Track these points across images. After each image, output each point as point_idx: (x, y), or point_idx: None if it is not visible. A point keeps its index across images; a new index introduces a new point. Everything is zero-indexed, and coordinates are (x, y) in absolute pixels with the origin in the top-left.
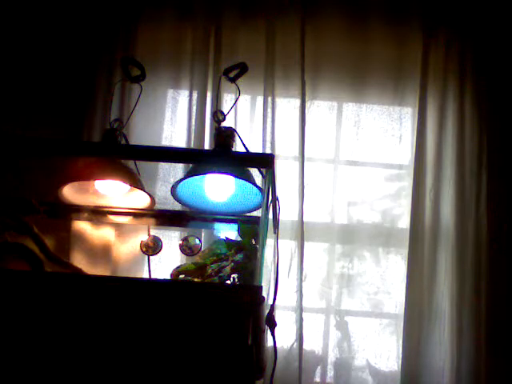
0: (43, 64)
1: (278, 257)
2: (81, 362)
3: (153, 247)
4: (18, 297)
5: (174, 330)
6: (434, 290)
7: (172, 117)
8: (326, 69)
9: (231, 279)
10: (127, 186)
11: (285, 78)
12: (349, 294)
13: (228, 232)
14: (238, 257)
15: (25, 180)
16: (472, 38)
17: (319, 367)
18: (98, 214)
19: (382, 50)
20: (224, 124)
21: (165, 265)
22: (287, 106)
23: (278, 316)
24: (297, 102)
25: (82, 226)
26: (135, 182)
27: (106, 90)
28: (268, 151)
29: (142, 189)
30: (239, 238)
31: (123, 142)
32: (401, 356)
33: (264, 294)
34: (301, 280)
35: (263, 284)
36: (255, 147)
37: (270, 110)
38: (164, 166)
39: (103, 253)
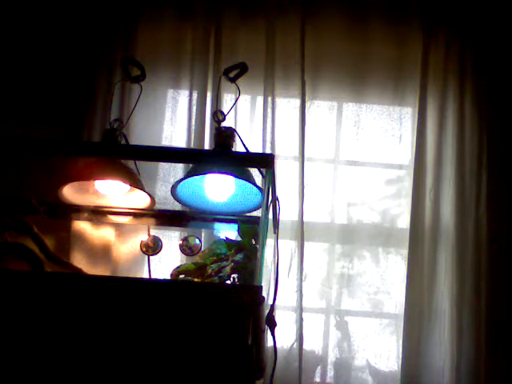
0: (43, 64)
1: (277, 257)
2: (81, 362)
3: (153, 247)
4: (18, 297)
5: (174, 330)
6: (433, 290)
7: (172, 117)
8: (326, 69)
9: (231, 279)
10: (127, 186)
11: (285, 78)
12: (349, 294)
13: (228, 232)
14: (238, 257)
15: (25, 180)
16: (472, 38)
17: (319, 367)
18: (98, 214)
19: (382, 49)
20: (224, 124)
21: (165, 265)
22: (287, 105)
23: (278, 316)
24: (297, 101)
25: (82, 226)
26: (135, 182)
27: (106, 90)
28: (268, 151)
29: (142, 189)
30: (239, 238)
31: (123, 141)
32: (401, 356)
33: (264, 294)
34: (301, 280)
35: (263, 284)
36: (255, 147)
37: (270, 110)
38: (164, 166)
39: (103, 253)
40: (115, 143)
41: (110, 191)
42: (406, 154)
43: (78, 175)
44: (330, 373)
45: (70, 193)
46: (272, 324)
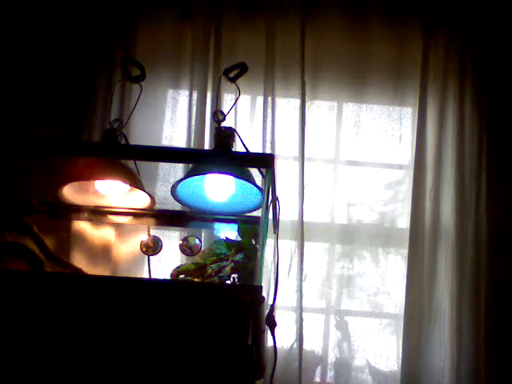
0: (43, 64)
1: (278, 257)
2: (81, 362)
3: (153, 247)
4: (18, 297)
5: (174, 330)
6: (433, 290)
7: (172, 117)
8: (326, 69)
9: (231, 279)
10: (127, 186)
11: (285, 78)
12: (349, 294)
13: (228, 232)
14: (238, 257)
15: (25, 180)
16: (472, 37)
17: (319, 367)
18: (98, 214)
19: (382, 50)
20: (224, 124)
21: (165, 265)
22: (287, 105)
23: (278, 316)
24: (297, 101)
25: (82, 226)
26: (135, 182)
27: (106, 90)
28: (268, 151)
29: (142, 189)
30: (239, 238)
31: (123, 141)
32: (401, 356)
33: (264, 294)
34: (301, 280)
35: (263, 284)
36: (255, 147)
37: (270, 110)
38: (164, 166)
39: (103, 253)
40: (115, 143)
41: (110, 191)
42: (406, 154)
43: (78, 175)
44: (330, 373)
45: (70, 193)
46: (272, 324)
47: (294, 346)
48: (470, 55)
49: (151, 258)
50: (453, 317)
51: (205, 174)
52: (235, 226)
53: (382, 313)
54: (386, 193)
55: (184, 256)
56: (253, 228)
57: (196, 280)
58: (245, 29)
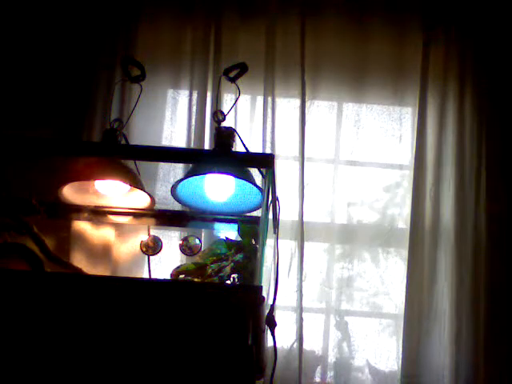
0: (43, 64)
1: (278, 257)
2: (81, 361)
3: (153, 247)
4: (18, 297)
5: (174, 330)
6: (433, 290)
7: (172, 117)
8: (326, 69)
9: (231, 279)
10: (127, 186)
11: (285, 78)
12: (349, 294)
13: (228, 232)
14: (238, 257)
15: (25, 180)
16: (472, 37)
17: (319, 367)
18: (97, 214)
19: (382, 49)
20: (224, 124)
21: (165, 265)
22: (287, 105)
23: (278, 316)
24: (297, 102)
25: (82, 225)
26: (135, 182)
27: (106, 90)
28: (268, 151)
29: (142, 189)
30: (239, 238)
31: (123, 141)
32: (401, 356)
33: (264, 294)
34: (301, 280)
35: (263, 284)
36: (255, 147)
37: (270, 110)
38: (164, 166)
39: (103, 253)
40: (115, 143)
41: (110, 191)
42: (406, 154)
43: (78, 175)
44: (330, 373)
45: (70, 193)
46: (272, 324)
47: (294, 346)
48: (470, 55)
49: (151, 257)
50: (453, 317)
51: (205, 173)
52: (235, 226)
53: (382, 313)
54: (386, 193)
55: (184, 256)
56: (253, 228)
57: (196, 280)
58: (245, 29)
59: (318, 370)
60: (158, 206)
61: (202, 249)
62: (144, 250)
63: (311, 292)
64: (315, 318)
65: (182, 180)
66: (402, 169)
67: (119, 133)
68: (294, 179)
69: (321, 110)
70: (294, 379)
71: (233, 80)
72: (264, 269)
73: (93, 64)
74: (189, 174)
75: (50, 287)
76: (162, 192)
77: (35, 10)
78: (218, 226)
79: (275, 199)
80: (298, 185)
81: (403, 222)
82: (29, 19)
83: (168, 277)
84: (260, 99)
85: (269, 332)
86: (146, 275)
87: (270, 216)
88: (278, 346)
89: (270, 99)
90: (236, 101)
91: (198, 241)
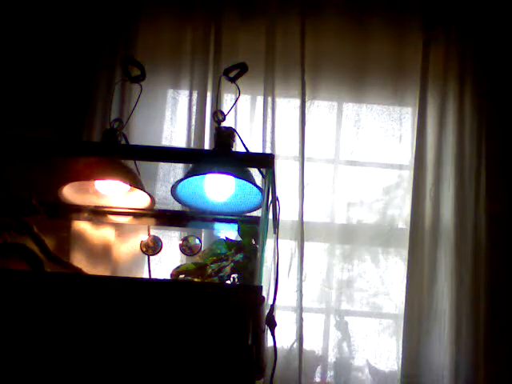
0: (43, 64)
1: (278, 257)
2: (81, 361)
3: (153, 247)
4: (18, 297)
5: (174, 330)
6: (433, 290)
7: (172, 117)
8: (326, 69)
9: (231, 279)
10: (127, 186)
11: (285, 78)
12: (349, 294)
13: (228, 232)
14: (238, 257)
15: (25, 180)
16: (472, 37)
17: (319, 367)
18: (97, 214)
19: (382, 49)
20: (224, 124)
21: (165, 265)
22: (287, 105)
23: (278, 316)
24: (297, 101)
25: (82, 225)
26: (135, 182)
27: (106, 90)
28: (268, 151)
29: (142, 189)
30: (239, 238)
31: (123, 141)
32: (401, 356)
33: (264, 294)
34: (301, 280)
35: (263, 284)
36: (255, 147)
37: (270, 110)
38: (164, 166)
39: (103, 253)
40: (115, 143)
41: (110, 191)
42: (406, 153)
43: (78, 175)
44: (330, 373)
45: (70, 193)
46: (272, 324)
47: (294, 346)
48: (470, 55)
49: (151, 257)
50: (453, 317)
51: (205, 173)
52: (235, 226)
53: (382, 313)
54: (386, 193)
55: (184, 256)
56: (253, 228)
57: (196, 280)
58: (245, 29)
59: (318, 370)
60: (158, 206)
61: (202, 249)
62: (144, 250)
63: (311, 292)
64: (315, 318)
65: (181, 180)
66: (402, 169)
67: (119, 133)
68: (294, 179)
69: (321, 109)
70: (294, 379)
71: (233, 80)
72: (264, 269)
73: (93, 64)
74: (189, 174)
75: (50, 287)
76: (162, 192)
77: (35, 10)
78: (218, 226)
79: (275, 199)
80: (298, 185)
81: (403, 222)
82: (29, 19)
83: (168, 277)
84: (260, 99)
85: (269, 332)
86: (146, 275)
87: (270, 216)
88: (278, 345)
89: (269, 99)
90: (236, 101)
91: (197, 241)
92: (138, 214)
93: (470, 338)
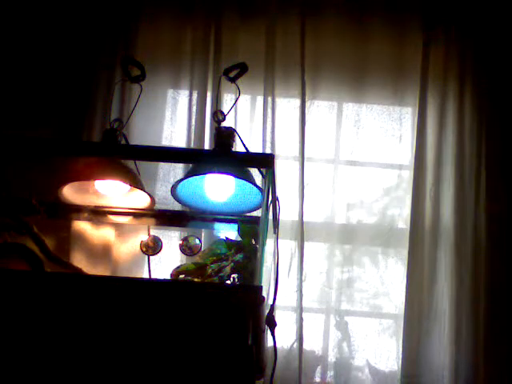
0: (43, 64)
1: (278, 257)
2: (81, 361)
3: (153, 247)
4: (18, 297)
5: (174, 330)
6: (433, 290)
7: (172, 117)
8: (326, 69)
9: (231, 279)
10: (127, 186)
11: (285, 78)
12: (349, 294)
13: (228, 232)
14: (238, 257)
15: (25, 180)
16: (472, 37)
17: (319, 367)
18: (97, 214)
19: (382, 49)
20: (224, 124)
21: (165, 265)
22: (287, 105)
23: (278, 316)
24: (297, 102)
25: (82, 225)
26: (135, 182)
27: (106, 90)
28: (268, 151)
29: (142, 189)
30: (239, 238)
31: (123, 141)
32: (400, 356)
33: (264, 294)
34: (301, 280)
35: (263, 284)
36: (255, 147)
37: (270, 110)
38: (164, 166)
39: (103, 253)
40: (115, 143)
41: (110, 191)
42: (406, 153)
43: (78, 175)
44: (330, 373)
45: (70, 193)
46: (272, 324)
47: (294, 346)
48: (470, 55)
49: (151, 257)
50: (453, 317)
51: (205, 173)
52: (235, 226)
53: (382, 313)
54: (386, 193)
55: (184, 256)
56: (253, 228)
57: (196, 280)
58: (245, 29)
59: (318, 369)
60: (158, 206)
61: (202, 249)
62: (144, 250)
63: (311, 292)
64: (315, 318)
65: (181, 180)
66: (402, 169)
67: (119, 133)
68: (294, 179)
69: (321, 109)
70: (294, 379)
71: (233, 80)
72: (264, 269)
73: (93, 64)
74: (189, 174)
75: (50, 287)
76: (162, 192)
77: (35, 10)
78: (218, 226)
79: (275, 199)
80: (298, 185)
81: (403, 222)
82: (29, 19)
83: (168, 277)
84: (260, 99)
85: (269, 332)
86: (146, 275)
87: (270, 216)
88: (278, 345)
89: (270, 99)
90: (236, 101)
91: (197, 241)
92: (137, 214)
93: (469, 338)
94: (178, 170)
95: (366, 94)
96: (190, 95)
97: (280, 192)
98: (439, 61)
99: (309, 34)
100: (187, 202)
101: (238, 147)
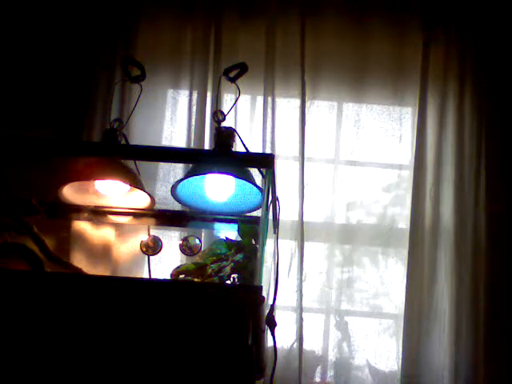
0: (43, 64)
1: (278, 257)
2: (81, 361)
3: (153, 247)
4: (18, 297)
5: (174, 330)
6: (433, 290)
7: (172, 117)
8: (326, 69)
9: (231, 279)
10: (127, 186)
11: (285, 78)
12: (349, 294)
13: (228, 232)
14: (238, 257)
15: (25, 180)
16: (472, 37)
17: (319, 367)
18: (97, 214)
19: (382, 49)
20: (224, 124)
21: (165, 265)
22: (287, 105)
23: (278, 316)
24: (297, 102)
25: (82, 225)
26: (135, 182)
27: (106, 90)
28: (268, 151)
29: (142, 189)
30: (239, 238)
31: (123, 141)
32: (400, 356)
33: (264, 294)
34: (301, 280)
35: (263, 284)
36: (255, 147)
37: (270, 110)
38: (164, 166)
39: (103, 253)
40: (115, 143)
41: (110, 191)
42: (406, 153)
43: (78, 175)
44: (330, 372)
45: (70, 193)
46: (272, 324)
47: (294, 346)
48: (470, 55)
49: (151, 257)
50: (452, 317)
51: (205, 173)
52: (235, 226)
53: (382, 313)
54: (386, 193)
55: (184, 256)
56: (253, 228)
57: (196, 280)
58: (245, 29)
59: (318, 369)
60: (158, 206)
61: (202, 249)
62: (144, 250)
63: (311, 292)
64: (315, 318)
65: (181, 180)
66: (402, 169)
67: (119, 133)
68: (294, 179)
69: (321, 109)
70: (294, 379)
71: (233, 80)
72: (264, 269)
73: (93, 64)
74: (189, 174)
75: (50, 287)
76: (162, 192)
77: (35, 10)
78: (218, 226)
79: (275, 199)
80: (298, 185)
81: (403, 221)
82: (29, 19)
83: (168, 277)
84: (260, 99)
85: (269, 332)
86: (146, 275)
87: (270, 216)
88: (278, 345)
89: (270, 99)
90: (236, 101)
91: (197, 241)
92: (138, 214)
93: (469, 338)
94: (177, 169)
95: (365, 94)
96: (190, 95)
97: (280, 192)
98: (439, 61)
99: (309, 34)
100: (187, 202)
101: (237, 147)
